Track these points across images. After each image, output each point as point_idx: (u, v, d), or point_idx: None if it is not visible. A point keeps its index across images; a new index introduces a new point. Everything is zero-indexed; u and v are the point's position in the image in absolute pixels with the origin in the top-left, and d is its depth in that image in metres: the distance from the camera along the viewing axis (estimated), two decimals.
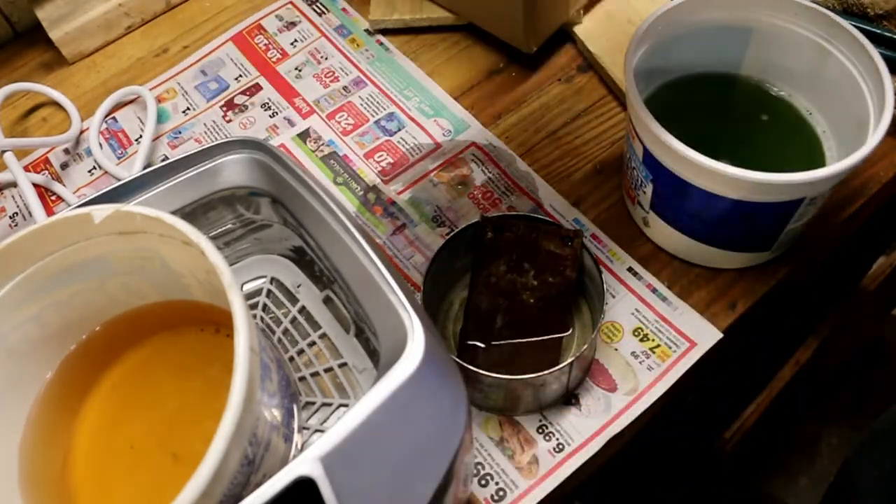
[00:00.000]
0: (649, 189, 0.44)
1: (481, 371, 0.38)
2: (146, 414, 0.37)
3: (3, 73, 0.62)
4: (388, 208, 0.51)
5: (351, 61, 0.59)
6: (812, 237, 0.47)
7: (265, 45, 0.61)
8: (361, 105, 0.56)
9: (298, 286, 0.44)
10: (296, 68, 0.59)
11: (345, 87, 0.57)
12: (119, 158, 0.56)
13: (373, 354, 0.41)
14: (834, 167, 0.37)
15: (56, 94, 0.58)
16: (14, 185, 0.55)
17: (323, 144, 0.55)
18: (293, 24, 0.62)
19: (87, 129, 0.57)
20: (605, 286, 0.41)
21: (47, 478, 0.35)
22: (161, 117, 0.57)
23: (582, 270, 0.43)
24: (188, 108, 0.58)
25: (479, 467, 0.41)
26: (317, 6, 0.63)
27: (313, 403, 0.41)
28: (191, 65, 0.60)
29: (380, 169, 0.53)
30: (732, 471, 0.98)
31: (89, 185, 0.55)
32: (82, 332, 0.38)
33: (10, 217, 0.54)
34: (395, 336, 0.31)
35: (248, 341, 0.27)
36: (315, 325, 0.43)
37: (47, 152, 0.57)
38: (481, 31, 0.58)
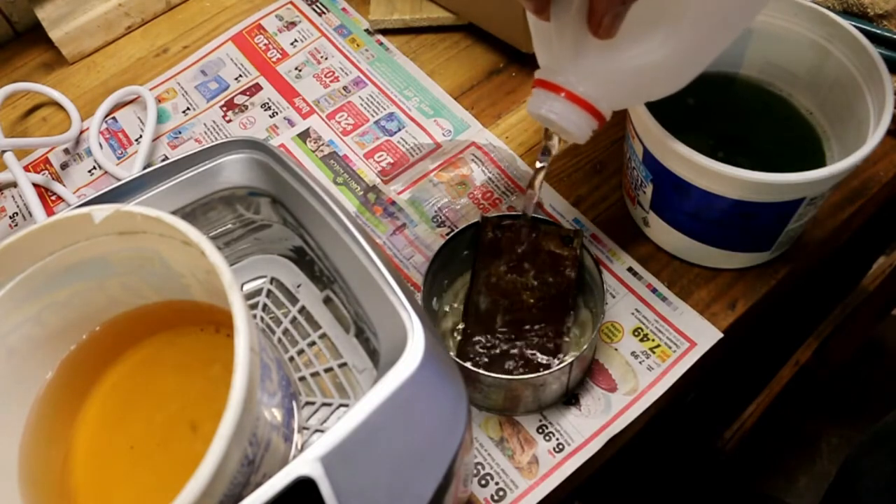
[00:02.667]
0: (649, 189, 0.44)
1: (481, 371, 0.38)
2: (146, 414, 0.37)
3: (3, 73, 0.62)
4: (388, 208, 0.51)
5: (351, 61, 0.59)
6: (812, 237, 0.47)
7: (265, 45, 0.61)
8: (361, 105, 0.56)
9: (298, 286, 0.44)
10: (296, 68, 0.59)
11: (345, 87, 0.57)
12: (119, 158, 0.56)
13: (373, 354, 0.41)
14: (834, 167, 0.37)
15: (56, 94, 0.58)
16: (14, 185, 0.55)
17: (323, 144, 0.55)
18: (293, 23, 0.62)
19: (87, 129, 0.57)
20: (605, 286, 0.41)
21: (47, 478, 0.35)
22: (161, 117, 0.57)
23: (582, 270, 0.43)
24: (188, 108, 0.58)
25: (479, 467, 0.41)
26: (317, 6, 0.63)
27: (313, 403, 0.41)
28: (191, 65, 0.60)
29: (380, 169, 0.53)
30: (732, 471, 0.98)
31: (89, 185, 0.55)
32: (82, 332, 0.38)
33: (10, 217, 0.54)
34: (395, 336, 0.31)
35: (248, 341, 0.27)
36: (315, 325, 0.43)
37: (47, 152, 0.57)
38: (481, 31, 0.58)
